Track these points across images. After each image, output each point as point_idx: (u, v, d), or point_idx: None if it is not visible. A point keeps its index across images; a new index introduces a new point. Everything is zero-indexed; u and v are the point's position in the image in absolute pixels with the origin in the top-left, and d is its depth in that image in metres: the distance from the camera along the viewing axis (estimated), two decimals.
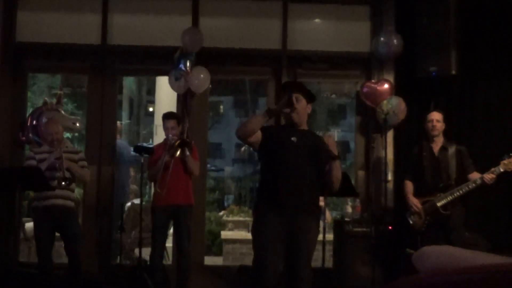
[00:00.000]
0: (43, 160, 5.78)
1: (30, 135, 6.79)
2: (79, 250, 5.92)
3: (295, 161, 4.29)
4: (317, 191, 4.42)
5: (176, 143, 6.02)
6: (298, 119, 4.41)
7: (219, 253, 9.74)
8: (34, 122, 6.79)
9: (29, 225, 8.27)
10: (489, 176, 5.63)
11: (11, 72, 7.08)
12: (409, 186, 6.08)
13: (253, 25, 7.39)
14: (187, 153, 6.05)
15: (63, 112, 7.19)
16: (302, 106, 4.39)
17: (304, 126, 4.50)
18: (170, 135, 6.17)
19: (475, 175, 5.72)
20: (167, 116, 6.36)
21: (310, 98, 4.54)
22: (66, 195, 5.87)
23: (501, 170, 5.63)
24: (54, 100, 7.32)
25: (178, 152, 6.03)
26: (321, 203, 8.32)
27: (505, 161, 5.64)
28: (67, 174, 5.75)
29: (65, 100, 9.67)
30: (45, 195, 5.75)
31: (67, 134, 7.15)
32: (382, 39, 6.93)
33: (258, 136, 4.31)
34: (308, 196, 4.32)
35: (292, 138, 4.33)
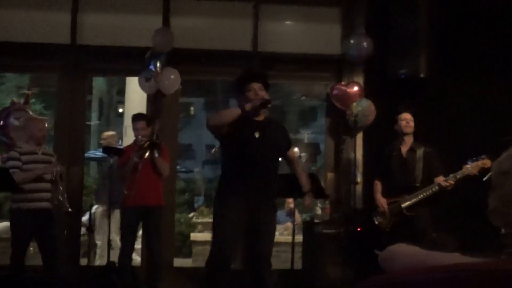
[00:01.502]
0: (30, 162, 5.68)
1: None
2: (59, 251, 5.87)
3: (258, 156, 4.41)
4: (277, 183, 4.54)
5: (145, 145, 6.00)
6: (265, 112, 4.55)
7: (188, 254, 9.71)
8: (1, 122, 6.71)
9: None
10: (445, 183, 5.68)
11: None
12: (377, 185, 6.12)
13: (225, 26, 7.39)
14: (156, 154, 6.03)
15: (30, 112, 7.10)
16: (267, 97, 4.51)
17: (262, 116, 4.58)
18: (140, 136, 6.14)
19: (440, 179, 5.75)
20: (136, 117, 6.35)
21: (267, 86, 4.62)
22: (48, 197, 5.77)
23: (464, 174, 5.68)
24: (22, 100, 7.25)
25: (147, 154, 6.01)
26: (291, 205, 8.40)
27: (468, 166, 5.69)
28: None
29: (33, 100, 9.56)
30: (31, 197, 5.62)
31: None
32: (352, 41, 6.98)
33: (225, 127, 4.43)
34: (269, 190, 4.46)
35: (255, 133, 4.43)
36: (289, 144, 4.77)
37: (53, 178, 5.76)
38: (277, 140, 4.56)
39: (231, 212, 4.38)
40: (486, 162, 5.66)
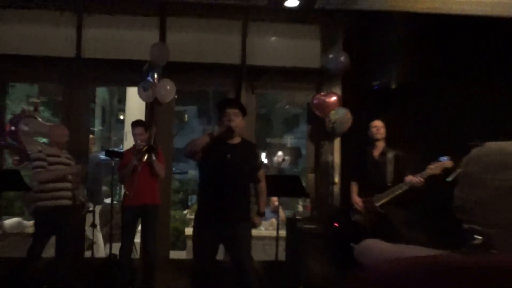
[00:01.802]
0: (55, 163, 5.71)
1: (9, 140, 6.66)
2: (72, 244, 5.97)
3: (230, 178, 4.43)
4: (247, 197, 4.59)
5: (144, 149, 6.00)
6: (236, 135, 4.53)
7: (183, 248, 9.68)
8: (13, 128, 6.67)
9: (8, 222, 8.15)
10: (415, 180, 5.70)
11: None
12: (354, 187, 6.13)
13: (215, 41, 7.39)
14: (153, 157, 6.02)
15: (39, 119, 7.07)
16: (239, 121, 4.49)
17: (239, 139, 4.60)
18: (138, 141, 6.13)
19: (409, 178, 5.77)
20: (135, 124, 6.34)
21: (244, 112, 4.62)
22: (69, 195, 5.83)
23: (428, 174, 5.70)
24: (32, 108, 7.21)
25: (146, 157, 6.00)
26: (276, 203, 8.40)
27: (432, 166, 5.72)
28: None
29: (41, 108, 9.51)
30: (54, 196, 5.67)
31: (43, 139, 7.02)
32: (331, 56, 7.01)
33: (200, 152, 4.49)
34: (240, 203, 4.48)
35: (228, 155, 4.45)
36: (259, 166, 4.79)
37: (73, 179, 5.86)
38: (249, 162, 4.57)
39: (206, 231, 4.49)
40: (448, 163, 5.69)
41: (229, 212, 4.41)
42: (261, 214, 4.88)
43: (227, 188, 4.42)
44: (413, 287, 1.17)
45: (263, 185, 4.73)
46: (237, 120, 4.45)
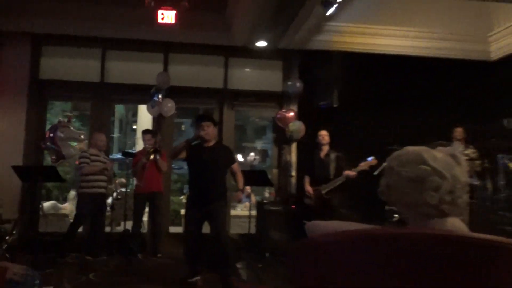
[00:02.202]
0: (95, 161, 5.76)
1: (48, 143, 6.55)
2: (104, 223, 5.97)
3: (206, 170, 4.46)
4: (223, 184, 4.60)
5: (151, 151, 5.97)
6: (208, 140, 4.55)
7: (179, 224, 9.60)
8: (51, 134, 6.56)
9: (46, 204, 8.01)
10: (350, 174, 5.74)
11: (36, 100, 6.83)
12: (306, 179, 6.11)
13: (205, 71, 7.36)
14: (158, 157, 5.99)
15: (72, 128, 6.96)
16: (211, 130, 4.54)
17: (213, 142, 4.61)
18: (147, 145, 6.11)
19: (346, 172, 5.80)
20: (145, 132, 6.34)
21: (215, 123, 4.74)
22: (104, 185, 5.86)
23: (359, 169, 5.74)
24: (66, 119, 7.11)
25: (152, 156, 5.97)
26: (249, 190, 8.38)
27: (362, 164, 5.77)
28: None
29: (74, 119, 9.36)
30: (93, 185, 5.69)
31: (74, 143, 6.92)
32: (289, 82, 7.04)
33: (183, 154, 4.56)
34: (217, 190, 4.50)
35: (204, 156, 4.48)
36: (233, 161, 4.75)
37: (108, 174, 5.89)
38: (222, 159, 4.58)
39: (192, 210, 4.54)
40: (373, 162, 5.75)
41: (207, 196, 4.43)
42: (241, 190, 4.87)
43: (205, 179, 4.45)
44: (344, 250, 1.19)
45: (239, 174, 4.72)
46: (208, 130, 4.49)
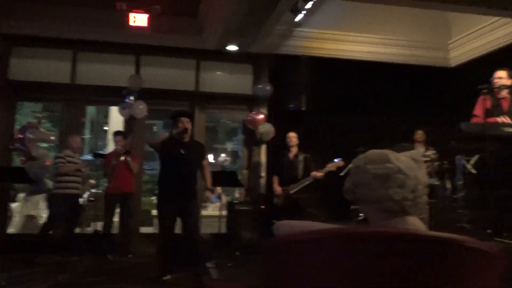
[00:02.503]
0: (70, 162, 5.74)
1: (17, 144, 6.37)
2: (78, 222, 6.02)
3: (183, 167, 4.40)
4: (195, 181, 4.54)
5: (121, 152, 5.88)
6: (187, 136, 4.49)
7: (150, 224, 9.48)
8: (20, 135, 6.38)
9: (14, 205, 7.76)
10: (318, 174, 5.79)
11: (5, 101, 6.63)
12: (275, 179, 6.14)
13: (177, 74, 7.31)
14: (128, 158, 5.93)
15: (42, 129, 6.78)
16: (190, 127, 4.49)
17: (188, 138, 4.55)
18: (118, 146, 6.01)
19: (314, 173, 5.86)
20: (115, 133, 6.28)
21: (193, 119, 4.66)
22: (78, 186, 5.84)
23: (326, 170, 5.80)
24: (36, 121, 6.94)
25: (123, 158, 5.89)
26: (219, 190, 8.35)
27: (329, 165, 5.83)
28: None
29: (44, 121, 9.10)
30: (67, 186, 5.68)
31: (45, 144, 6.75)
32: (259, 86, 7.06)
33: (160, 145, 4.45)
34: (190, 186, 4.44)
35: (181, 150, 4.42)
36: (203, 157, 4.72)
37: (82, 175, 5.89)
38: (195, 154, 4.55)
39: (166, 206, 4.41)
40: (340, 163, 5.82)
41: (183, 191, 4.36)
42: (210, 190, 4.82)
43: (181, 173, 4.38)
44: (310, 249, 1.20)
45: (207, 169, 4.68)
46: (188, 125, 4.45)
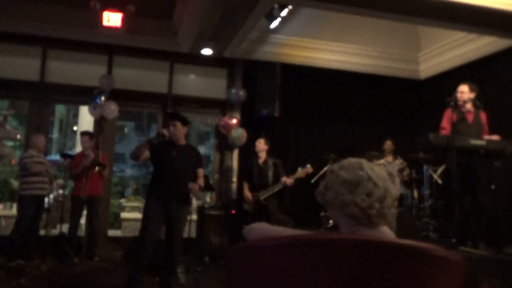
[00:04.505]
0: (38, 162, 5.62)
1: None
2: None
3: (174, 168, 4.18)
4: (187, 187, 4.22)
5: (96, 168, 5.79)
6: (176, 138, 4.26)
7: (118, 227, 9.32)
8: None
9: None
10: (288, 181, 5.77)
11: None
12: (245, 185, 6.11)
13: (150, 76, 7.22)
14: (102, 170, 5.85)
15: (8, 127, 6.56)
16: (178, 129, 4.24)
17: (182, 142, 4.31)
18: (86, 153, 5.82)
19: (284, 179, 5.87)
20: (82, 134, 6.15)
21: (185, 122, 4.35)
22: (45, 187, 5.75)
23: (296, 176, 5.81)
24: (2, 118, 6.70)
25: (97, 169, 5.78)
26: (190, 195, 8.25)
27: (299, 171, 5.86)
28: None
29: (10, 118, 8.85)
30: (35, 187, 5.56)
31: (11, 143, 6.53)
32: (233, 90, 7.05)
33: (146, 154, 4.20)
34: (182, 191, 4.19)
35: (173, 152, 4.21)
36: (198, 164, 4.43)
37: (49, 175, 5.82)
38: (191, 160, 4.32)
39: (155, 208, 4.12)
40: (309, 170, 5.87)
41: (174, 195, 4.12)
42: (201, 186, 4.36)
43: (174, 176, 4.16)
44: (278, 255, 1.20)
45: (201, 179, 4.32)
46: (174, 129, 4.20)
